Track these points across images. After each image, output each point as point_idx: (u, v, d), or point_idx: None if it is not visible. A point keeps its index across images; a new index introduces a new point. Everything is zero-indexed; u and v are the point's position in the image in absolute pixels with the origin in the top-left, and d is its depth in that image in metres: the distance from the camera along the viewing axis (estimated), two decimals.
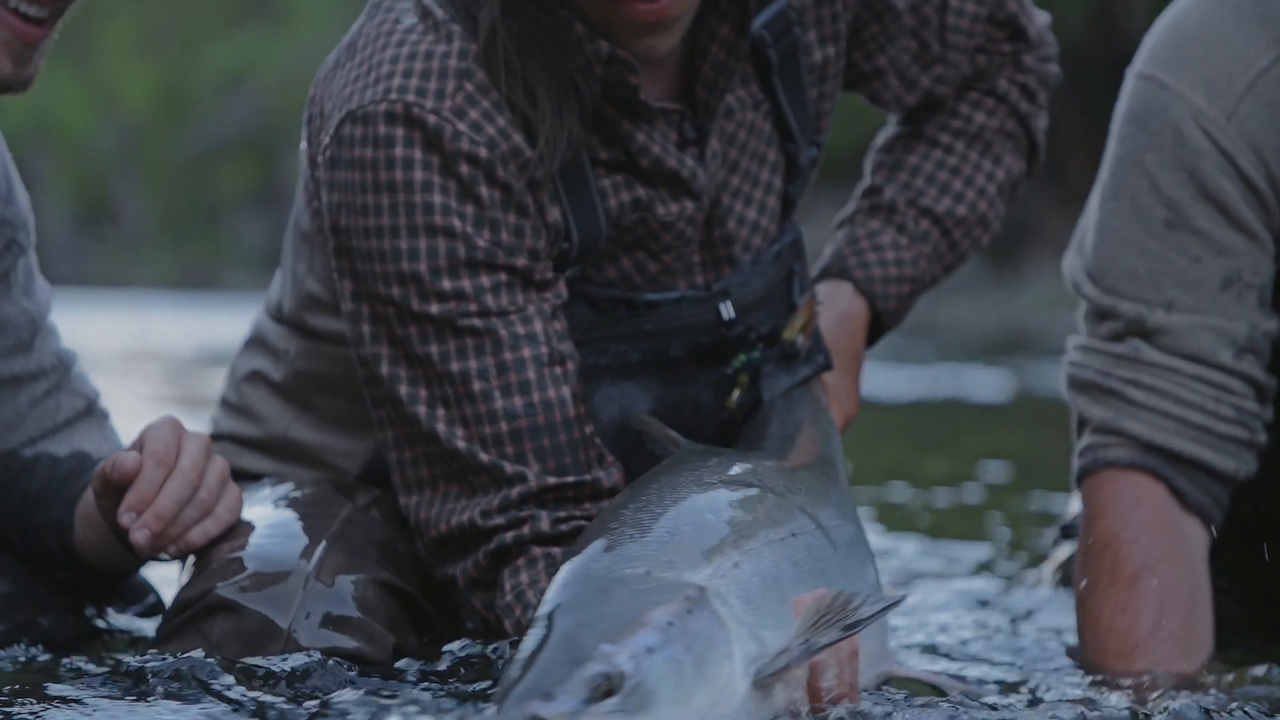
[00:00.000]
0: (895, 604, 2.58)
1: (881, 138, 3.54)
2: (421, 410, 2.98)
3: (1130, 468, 3.22)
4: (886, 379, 12.07)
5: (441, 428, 2.98)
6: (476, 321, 2.96)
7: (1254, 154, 3.17)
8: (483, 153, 2.96)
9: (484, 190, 2.97)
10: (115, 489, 2.94)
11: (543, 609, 2.54)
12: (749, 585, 2.58)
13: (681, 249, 3.13)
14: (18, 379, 3.24)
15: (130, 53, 49.89)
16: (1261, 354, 3.23)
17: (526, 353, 2.98)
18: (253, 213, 46.62)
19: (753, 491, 2.75)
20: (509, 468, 2.96)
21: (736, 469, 2.83)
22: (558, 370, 2.99)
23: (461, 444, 2.97)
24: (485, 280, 2.97)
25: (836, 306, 3.35)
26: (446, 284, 2.96)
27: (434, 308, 2.96)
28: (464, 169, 2.96)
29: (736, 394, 3.16)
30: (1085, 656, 3.22)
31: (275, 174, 44.62)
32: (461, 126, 2.95)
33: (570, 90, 2.99)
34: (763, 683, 2.50)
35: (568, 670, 2.43)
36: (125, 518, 2.89)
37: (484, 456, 2.96)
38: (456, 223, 2.95)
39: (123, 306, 31.65)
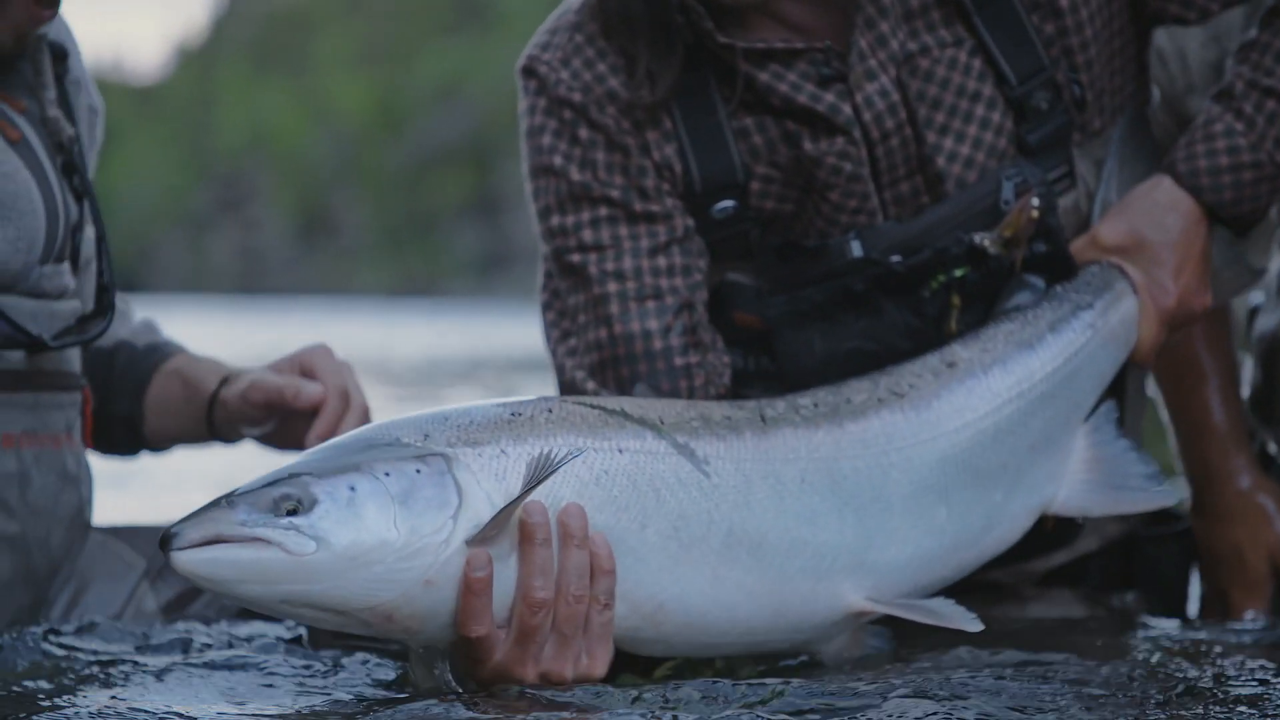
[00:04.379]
0: (570, 458, 2.69)
1: None
2: (555, 334, 3.30)
3: None
4: None
5: (564, 359, 3.28)
6: (576, 257, 3.26)
7: None
8: (577, 97, 3.27)
9: (584, 132, 3.27)
10: (283, 410, 3.18)
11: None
12: (510, 470, 2.69)
13: (847, 186, 3.25)
14: None
15: (345, 64, 50.77)
16: None
17: (612, 287, 3.23)
18: (469, 220, 47.16)
19: (591, 412, 2.81)
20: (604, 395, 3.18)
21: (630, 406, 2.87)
22: (648, 305, 3.23)
23: (577, 374, 3.24)
24: (585, 215, 3.26)
25: (1154, 198, 3.29)
26: (555, 220, 3.27)
27: (551, 244, 3.28)
28: (566, 113, 3.28)
29: (954, 314, 3.22)
30: None
31: (491, 181, 45.06)
32: (564, 74, 3.28)
33: (663, 33, 3.24)
34: (474, 542, 2.64)
35: (260, 491, 2.61)
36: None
37: (590, 384, 3.21)
38: (558, 161, 3.27)
39: (343, 314, 32.17)
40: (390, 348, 20.65)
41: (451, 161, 46.83)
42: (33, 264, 3.07)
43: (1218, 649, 3.23)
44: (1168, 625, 3.47)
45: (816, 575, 2.86)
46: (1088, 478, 3.15)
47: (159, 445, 3.49)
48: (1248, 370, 3.83)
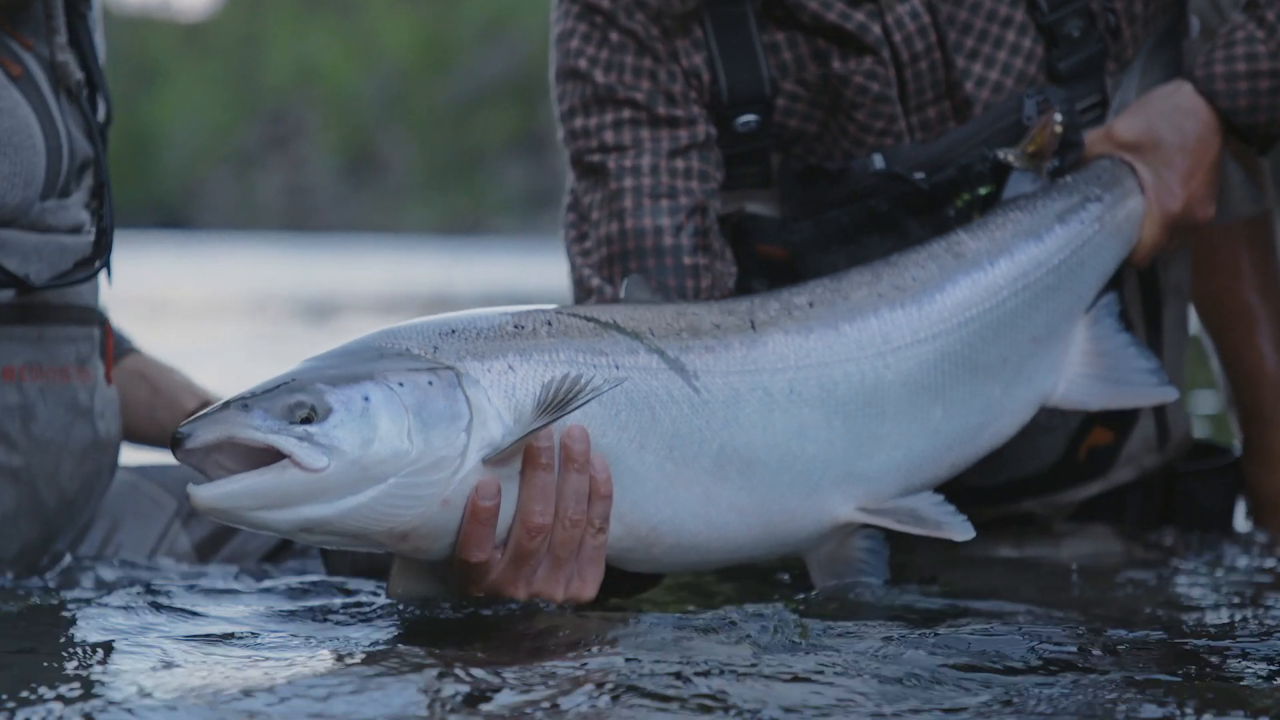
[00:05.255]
0: (606, 388, 2.70)
1: None
2: (572, 235, 3.32)
3: None
4: None
5: (576, 257, 3.31)
6: (596, 157, 3.29)
7: None
8: (606, 3, 3.30)
9: (613, 35, 3.29)
10: None
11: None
12: (518, 386, 2.69)
13: (874, 107, 3.27)
14: None
15: (392, 1, 50.58)
16: None
17: (628, 183, 3.25)
18: (516, 158, 47.02)
19: (587, 325, 2.80)
20: (607, 290, 3.23)
21: (620, 313, 2.86)
22: (662, 203, 3.25)
23: (585, 270, 3.27)
24: (608, 117, 3.28)
25: (1175, 101, 3.28)
26: (578, 122, 3.31)
27: (573, 146, 3.32)
28: (596, 18, 3.31)
29: None
30: None
31: (538, 118, 44.92)
32: None
33: None
34: (493, 461, 2.64)
35: (273, 394, 2.59)
36: None
37: (595, 280, 3.25)
38: (584, 64, 3.30)
39: (390, 252, 32.18)
40: (437, 285, 20.65)
41: (498, 99, 46.70)
42: (32, 199, 3.05)
43: (1259, 593, 3.22)
44: (1207, 565, 3.46)
45: (805, 490, 2.85)
46: (1087, 371, 3.13)
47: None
48: None
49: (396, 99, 49.43)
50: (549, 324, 2.77)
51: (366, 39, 50.26)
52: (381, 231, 45.51)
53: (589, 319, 2.79)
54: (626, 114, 3.28)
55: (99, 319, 3.22)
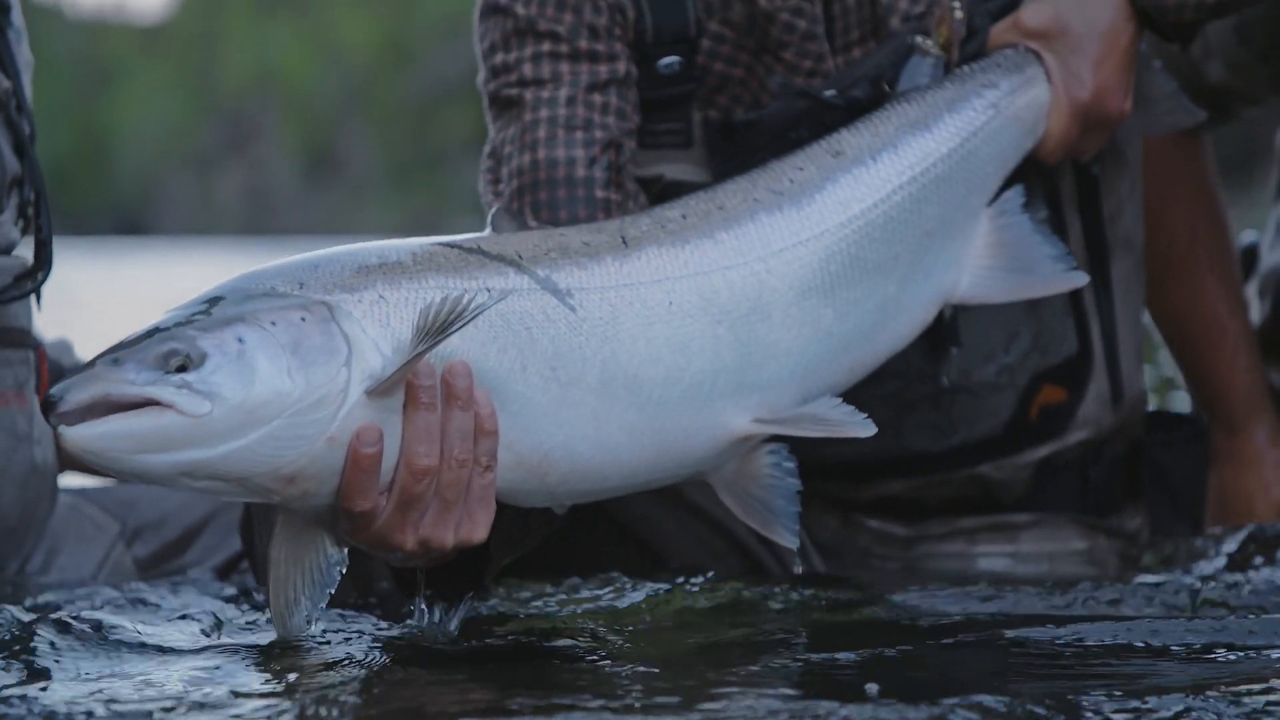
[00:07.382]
0: (486, 306, 2.63)
1: None
2: (487, 179, 3.29)
3: None
4: None
5: (489, 196, 3.27)
6: (514, 91, 3.27)
7: None
8: None
9: None
10: None
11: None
12: (392, 315, 2.62)
13: (802, 45, 3.26)
14: None
15: (351, 0, 50.46)
16: None
17: (544, 113, 3.23)
18: (477, 156, 46.95)
19: (452, 252, 2.72)
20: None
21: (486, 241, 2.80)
22: (577, 135, 3.22)
23: (497, 204, 3.18)
24: (528, 50, 3.26)
25: None
26: (498, 58, 3.28)
27: (493, 84, 3.30)
28: None
29: None
30: None
31: None
32: None
33: None
34: (376, 393, 2.59)
35: (143, 346, 2.53)
36: None
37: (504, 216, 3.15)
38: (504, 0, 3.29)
39: None
40: None
41: (459, 97, 46.59)
42: None
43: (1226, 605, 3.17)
44: (1171, 565, 3.42)
45: (696, 404, 2.79)
46: (991, 263, 3.08)
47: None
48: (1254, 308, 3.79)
49: (356, 98, 49.31)
50: (413, 254, 2.70)
51: (325, 38, 50.13)
52: (342, 233, 45.41)
53: (453, 246, 2.72)
54: (546, 46, 3.26)
55: (33, 343, 3.17)
